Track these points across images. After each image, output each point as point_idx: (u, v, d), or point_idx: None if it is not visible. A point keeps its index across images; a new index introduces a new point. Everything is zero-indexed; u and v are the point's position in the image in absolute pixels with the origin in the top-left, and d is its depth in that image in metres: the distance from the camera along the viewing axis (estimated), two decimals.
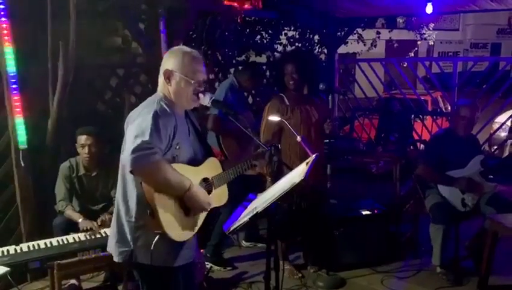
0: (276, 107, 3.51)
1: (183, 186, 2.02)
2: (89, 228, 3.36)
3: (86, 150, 3.55)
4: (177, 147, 2.06)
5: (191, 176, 2.09)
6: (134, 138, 1.92)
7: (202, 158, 2.25)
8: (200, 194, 2.10)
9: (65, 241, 3.21)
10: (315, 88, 3.72)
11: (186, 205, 2.07)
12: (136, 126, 1.96)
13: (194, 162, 2.17)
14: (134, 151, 1.88)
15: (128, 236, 2.07)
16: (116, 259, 2.13)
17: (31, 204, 3.75)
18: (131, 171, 1.93)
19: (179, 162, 2.08)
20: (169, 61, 2.14)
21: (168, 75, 2.13)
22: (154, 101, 2.10)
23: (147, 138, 1.90)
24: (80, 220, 3.42)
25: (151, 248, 2.00)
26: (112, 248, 2.16)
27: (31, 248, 3.09)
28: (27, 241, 3.39)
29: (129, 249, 2.07)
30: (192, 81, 2.13)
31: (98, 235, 3.31)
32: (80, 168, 3.62)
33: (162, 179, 1.95)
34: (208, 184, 2.23)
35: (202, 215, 2.18)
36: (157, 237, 2.01)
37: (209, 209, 2.18)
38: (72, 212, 3.50)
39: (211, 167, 2.27)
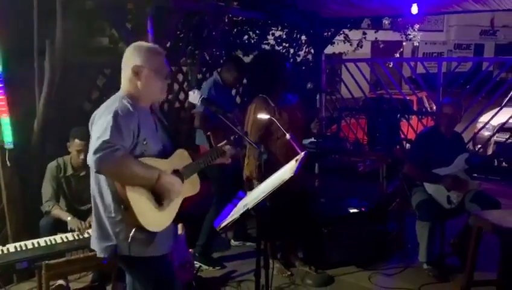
0: (264, 108, 3.50)
1: (152, 177, 2.05)
2: (77, 229, 3.33)
3: (82, 155, 3.52)
4: (145, 143, 2.10)
5: (161, 168, 2.12)
6: (96, 139, 1.95)
7: (171, 152, 2.27)
8: (172, 181, 2.12)
9: (53, 242, 3.18)
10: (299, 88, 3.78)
11: (160, 193, 2.10)
12: (98, 127, 2.00)
13: (164, 155, 2.21)
14: (96, 151, 1.91)
15: (110, 231, 2.10)
16: (100, 255, 2.16)
17: (18, 204, 3.71)
18: (97, 172, 1.99)
19: (148, 156, 2.11)
20: (135, 57, 2.16)
21: (137, 71, 2.14)
22: (116, 99, 2.13)
23: (107, 137, 1.93)
24: (69, 219, 3.40)
25: (128, 241, 2.04)
26: (95, 244, 2.20)
27: (18, 249, 3.06)
28: (14, 241, 3.36)
29: (113, 244, 2.10)
30: (161, 74, 2.18)
31: (86, 235, 3.28)
32: (68, 168, 3.59)
33: (129, 174, 1.98)
34: (178, 175, 2.24)
35: (176, 204, 2.21)
36: (134, 229, 2.04)
37: (181, 197, 2.22)
38: (59, 211, 3.47)
39: (180, 159, 2.30)
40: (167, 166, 2.19)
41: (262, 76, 3.61)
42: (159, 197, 2.11)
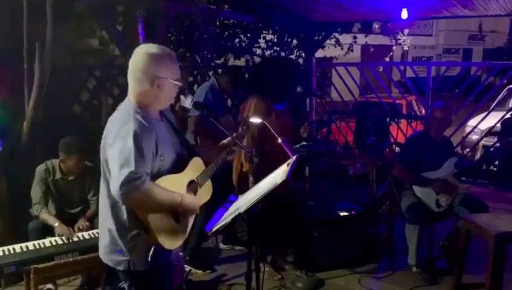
0: (264, 106, 3.50)
1: (176, 202, 2.05)
2: (64, 235, 3.29)
3: (82, 163, 3.53)
4: (162, 159, 2.04)
5: (178, 184, 2.12)
6: (119, 167, 1.85)
7: (184, 157, 2.23)
8: (192, 201, 2.16)
9: (41, 245, 3.14)
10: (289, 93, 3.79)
11: (181, 214, 2.12)
12: (119, 153, 1.88)
13: (178, 164, 2.16)
14: (123, 184, 1.83)
15: (123, 247, 2.04)
16: (115, 267, 2.10)
17: (5, 207, 3.68)
18: (123, 204, 1.95)
19: (164, 170, 2.06)
20: (155, 66, 2.01)
21: (159, 83, 2.02)
22: (129, 113, 1.98)
23: (132, 167, 1.85)
24: (56, 225, 3.36)
25: (149, 260, 2.03)
26: (106, 257, 2.13)
27: (6, 252, 3.02)
28: (1, 245, 3.31)
29: (127, 259, 2.05)
30: (178, 82, 2.11)
31: (75, 239, 3.26)
32: (56, 172, 3.55)
33: (155, 203, 1.97)
34: (193, 185, 2.24)
35: (191, 218, 2.23)
36: (153, 248, 2.03)
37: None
38: (47, 216, 3.43)
39: (195, 168, 2.27)
40: (183, 179, 2.17)
41: (273, 80, 3.59)
42: (176, 214, 2.11)
